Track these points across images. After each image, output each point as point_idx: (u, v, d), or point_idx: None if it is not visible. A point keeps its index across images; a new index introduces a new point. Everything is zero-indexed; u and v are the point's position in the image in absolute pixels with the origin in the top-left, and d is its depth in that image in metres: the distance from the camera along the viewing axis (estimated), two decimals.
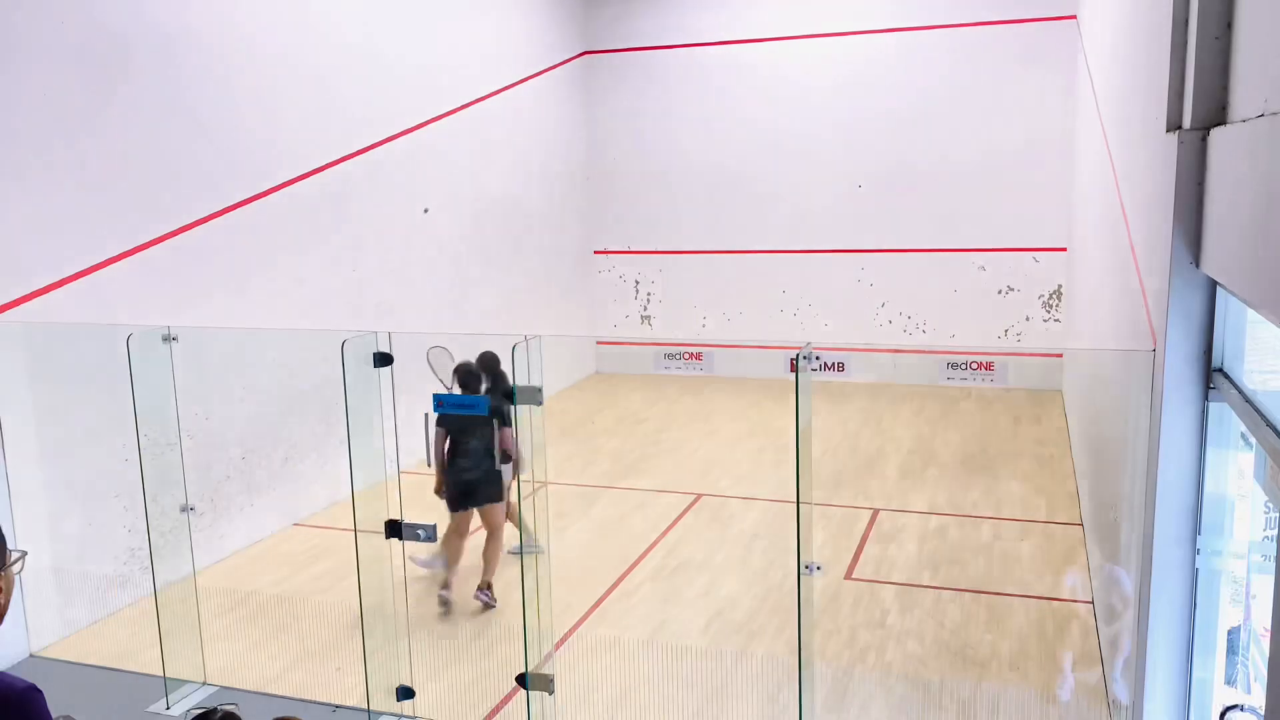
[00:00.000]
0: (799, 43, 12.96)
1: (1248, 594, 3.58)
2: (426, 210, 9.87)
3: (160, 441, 5.53)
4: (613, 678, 5.61)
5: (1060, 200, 11.94)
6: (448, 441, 6.41)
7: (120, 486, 6.46)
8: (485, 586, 6.51)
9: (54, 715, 2.26)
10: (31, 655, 6.05)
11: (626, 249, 14.12)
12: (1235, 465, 3.59)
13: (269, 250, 8.03)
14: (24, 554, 2.29)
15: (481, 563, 6.55)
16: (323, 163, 8.61)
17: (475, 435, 6.32)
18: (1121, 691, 4.53)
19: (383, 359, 4.94)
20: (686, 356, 13.92)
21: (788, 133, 13.10)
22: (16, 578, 2.31)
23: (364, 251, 9.24)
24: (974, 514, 8.10)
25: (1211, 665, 3.70)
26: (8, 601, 2.25)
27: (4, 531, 2.29)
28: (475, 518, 6.60)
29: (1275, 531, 3.47)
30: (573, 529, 7.99)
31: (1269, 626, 2.68)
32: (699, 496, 8.35)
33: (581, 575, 7.03)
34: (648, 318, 14.12)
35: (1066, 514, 7.97)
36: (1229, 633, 3.66)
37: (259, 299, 7.91)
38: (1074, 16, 11.58)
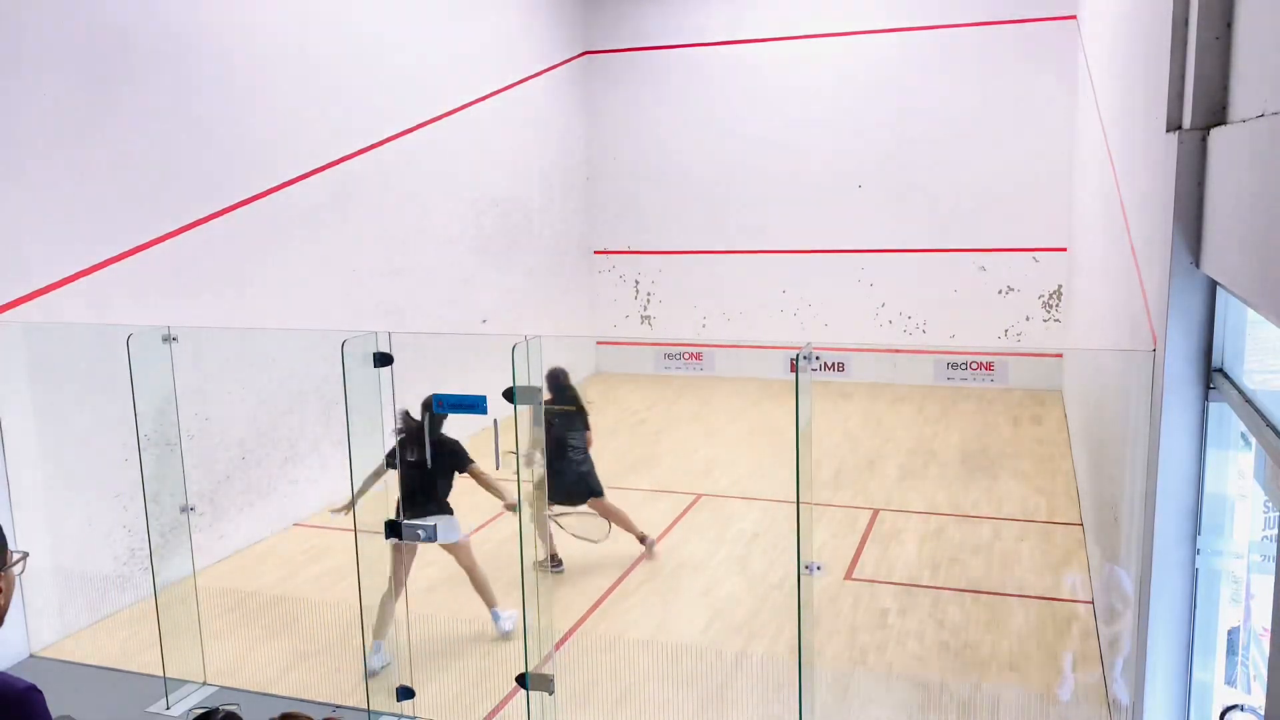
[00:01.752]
0: (799, 43, 12.96)
1: (1248, 594, 3.58)
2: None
3: (160, 441, 5.53)
4: (613, 678, 5.61)
5: (1060, 200, 11.94)
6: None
7: (120, 486, 6.46)
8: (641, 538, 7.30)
9: (54, 715, 2.26)
10: (31, 655, 6.05)
11: (626, 249, 14.11)
12: (1235, 465, 3.59)
13: (269, 250, 8.03)
14: (25, 555, 2.29)
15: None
16: (323, 162, 8.61)
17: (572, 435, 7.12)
18: (1121, 691, 4.53)
19: (383, 359, 4.94)
20: (686, 356, 13.92)
21: (788, 133, 13.10)
22: (17, 579, 2.31)
23: (364, 251, 9.24)
24: (974, 514, 8.10)
25: (1211, 665, 3.70)
26: (7, 602, 2.25)
27: (4, 532, 2.29)
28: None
29: (1275, 531, 3.47)
30: None
31: (1269, 626, 2.68)
32: (699, 496, 8.36)
33: (581, 575, 7.03)
34: (648, 318, 14.12)
35: (1066, 514, 7.97)
36: (1229, 633, 3.66)
37: (259, 299, 7.91)
38: (1074, 16, 11.58)
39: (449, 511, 5.98)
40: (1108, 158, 6.89)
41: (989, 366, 12.67)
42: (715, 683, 5.56)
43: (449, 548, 6.05)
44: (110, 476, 6.46)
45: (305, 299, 8.42)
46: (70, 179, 6.31)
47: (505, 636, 6.07)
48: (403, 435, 5.69)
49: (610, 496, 8.74)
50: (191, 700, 5.45)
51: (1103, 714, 5.10)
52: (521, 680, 4.82)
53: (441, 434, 5.91)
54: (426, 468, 5.74)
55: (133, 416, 5.31)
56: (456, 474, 5.99)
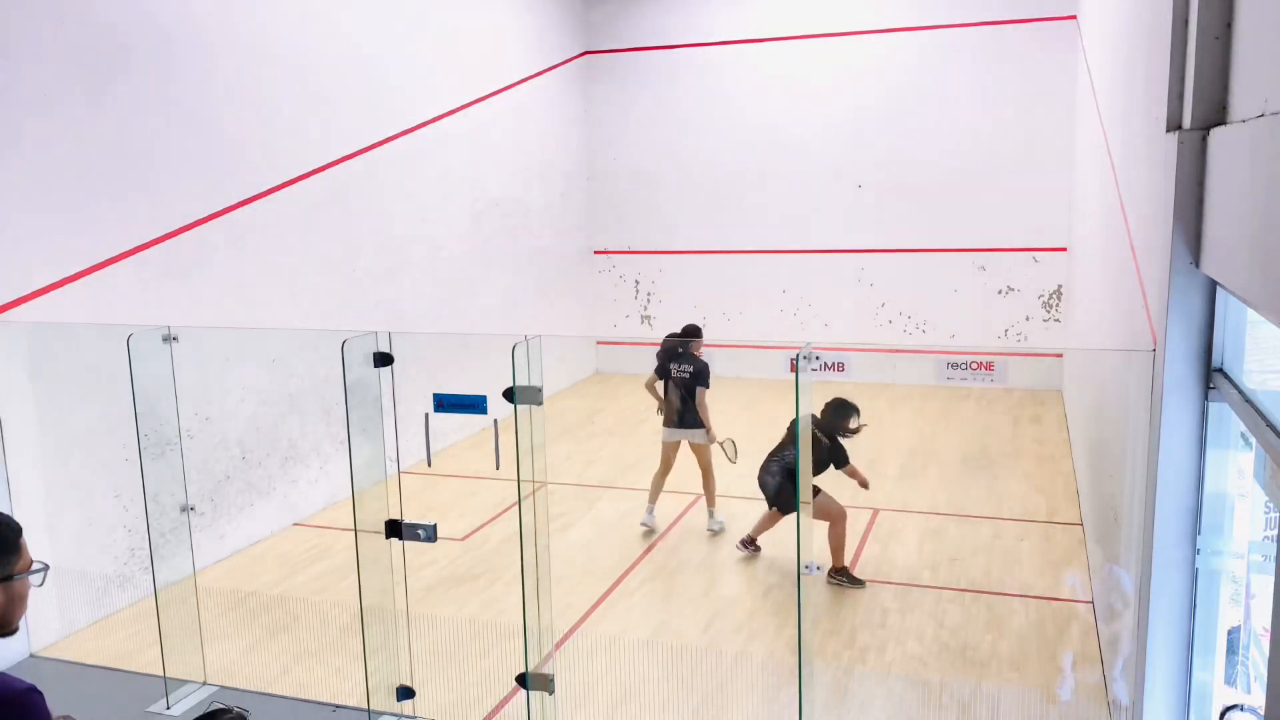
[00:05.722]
0: (799, 42, 12.96)
1: (1248, 594, 3.58)
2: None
3: (160, 441, 5.53)
4: (613, 678, 5.62)
5: (1060, 200, 11.94)
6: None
7: (120, 486, 6.46)
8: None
9: (54, 715, 2.26)
10: (31, 655, 6.05)
11: (626, 249, 14.12)
12: (1235, 465, 3.59)
13: (269, 250, 8.03)
14: (45, 567, 2.29)
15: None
16: (323, 162, 8.61)
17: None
18: (1121, 691, 4.53)
19: (383, 359, 4.94)
20: None
21: (788, 132, 13.10)
22: (32, 588, 2.30)
23: (364, 251, 9.24)
24: (974, 514, 8.10)
25: (1211, 665, 3.70)
26: (14, 611, 2.24)
27: (21, 541, 2.27)
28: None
29: (1275, 531, 3.47)
30: (573, 529, 7.99)
31: (1269, 626, 2.68)
32: (699, 496, 8.34)
33: (581, 575, 7.03)
34: (648, 318, 14.12)
35: (1066, 514, 7.97)
36: (1229, 633, 3.66)
37: (259, 299, 7.91)
38: (1074, 16, 11.58)
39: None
40: (1108, 158, 6.89)
41: (989, 366, 12.67)
42: (715, 683, 5.56)
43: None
44: (110, 476, 6.46)
45: (305, 299, 8.42)
46: (70, 179, 6.31)
47: (711, 534, 7.81)
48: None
49: (610, 496, 8.78)
50: (191, 700, 5.45)
51: (1103, 714, 5.10)
52: (521, 680, 4.82)
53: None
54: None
55: (133, 416, 5.31)
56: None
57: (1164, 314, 3.55)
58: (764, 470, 7.11)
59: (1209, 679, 3.70)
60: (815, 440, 6.93)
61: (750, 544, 7.31)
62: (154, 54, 6.89)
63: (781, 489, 6.96)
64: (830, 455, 6.83)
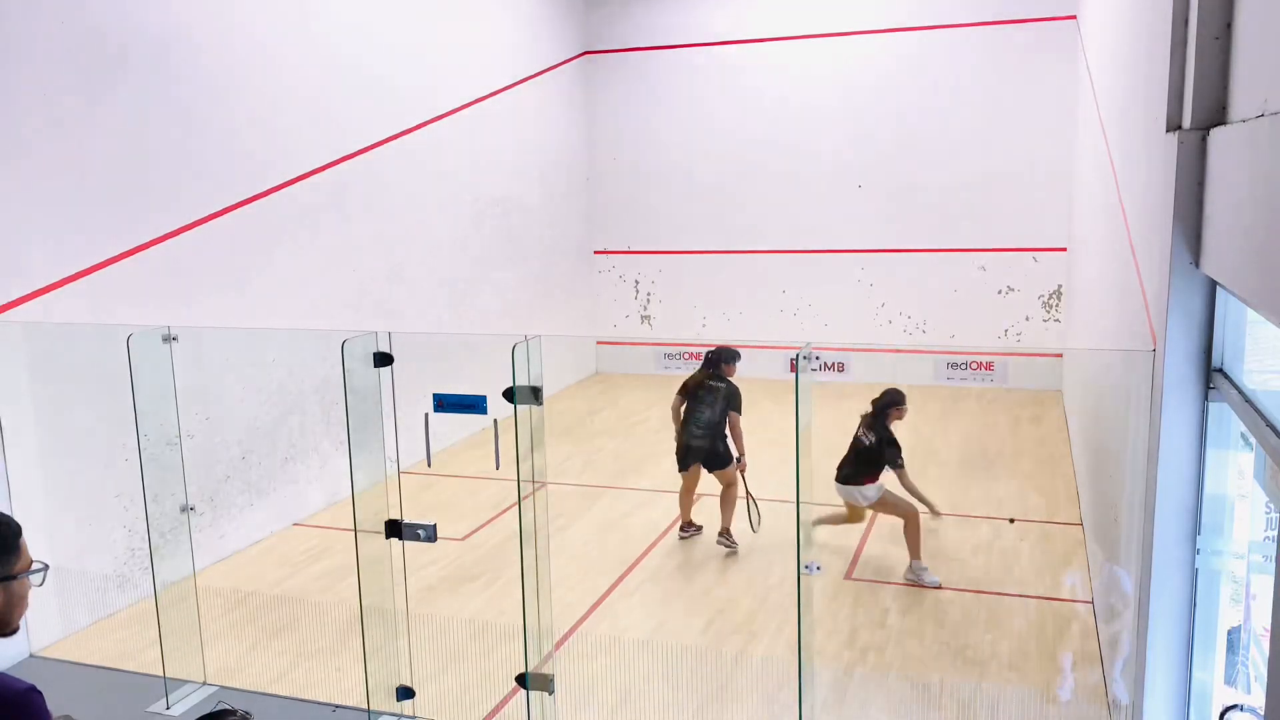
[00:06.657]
0: (799, 43, 12.96)
1: (1248, 594, 3.58)
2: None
3: (160, 441, 5.53)
4: (613, 678, 5.61)
5: (1060, 200, 11.94)
6: (684, 407, 7.75)
7: (120, 486, 6.46)
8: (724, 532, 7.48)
9: (54, 715, 2.26)
10: (31, 655, 6.05)
11: (626, 249, 14.11)
12: (1235, 465, 3.59)
13: (269, 250, 8.03)
14: (45, 567, 2.29)
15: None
16: (323, 162, 8.61)
17: (706, 406, 7.51)
18: (1121, 691, 4.53)
19: (383, 359, 4.94)
20: (686, 356, 13.91)
21: (788, 132, 13.10)
22: (32, 588, 2.30)
23: (364, 251, 9.24)
24: (974, 514, 8.09)
25: (1211, 665, 3.70)
26: (11, 612, 2.24)
27: (19, 541, 2.26)
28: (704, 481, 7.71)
29: (1275, 531, 3.47)
30: (573, 529, 7.99)
31: (1269, 626, 2.68)
32: (699, 496, 8.34)
33: (581, 575, 7.03)
34: (648, 318, 14.12)
35: (1066, 514, 7.97)
36: (1229, 633, 3.66)
37: (259, 299, 7.90)
38: (1074, 16, 11.58)
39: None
40: (1108, 158, 6.89)
41: (989, 366, 12.67)
42: (715, 683, 5.56)
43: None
44: (110, 476, 6.46)
45: (305, 299, 8.42)
46: (70, 179, 6.30)
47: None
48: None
49: (610, 496, 8.77)
50: (192, 700, 5.45)
51: (1103, 714, 5.10)
52: (521, 680, 4.82)
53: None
54: None
55: (133, 416, 5.31)
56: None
57: (1164, 314, 3.55)
58: (689, 430, 7.59)
59: (1209, 679, 3.71)
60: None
61: (693, 528, 7.65)
62: (154, 54, 6.88)
63: (709, 453, 7.47)
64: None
